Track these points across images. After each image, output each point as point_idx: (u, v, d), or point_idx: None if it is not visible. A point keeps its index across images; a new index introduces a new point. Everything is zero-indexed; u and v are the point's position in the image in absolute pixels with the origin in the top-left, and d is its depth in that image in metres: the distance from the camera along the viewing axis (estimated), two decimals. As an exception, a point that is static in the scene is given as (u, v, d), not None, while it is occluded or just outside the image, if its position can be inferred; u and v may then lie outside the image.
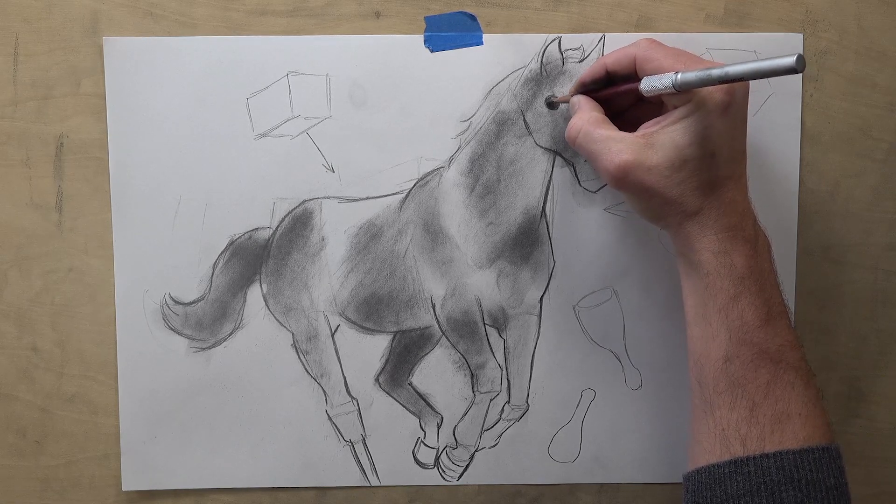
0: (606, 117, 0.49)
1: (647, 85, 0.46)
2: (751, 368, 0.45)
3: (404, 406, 0.56)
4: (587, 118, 0.48)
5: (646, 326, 0.56)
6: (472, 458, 0.57)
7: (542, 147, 0.54)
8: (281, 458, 0.56)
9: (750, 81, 0.45)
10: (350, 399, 0.56)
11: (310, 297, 0.56)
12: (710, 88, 0.44)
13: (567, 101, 0.53)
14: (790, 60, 0.38)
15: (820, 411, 0.45)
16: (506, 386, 0.56)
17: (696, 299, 0.47)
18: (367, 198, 0.55)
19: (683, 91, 0.44)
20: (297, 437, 0.56)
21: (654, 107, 0.50)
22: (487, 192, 0.55)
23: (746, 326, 0.45)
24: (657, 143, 0.45)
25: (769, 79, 0.53)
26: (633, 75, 0.48)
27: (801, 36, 0.54)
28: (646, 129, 0.47)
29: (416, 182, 0.55)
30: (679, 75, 0.44)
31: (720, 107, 0.45)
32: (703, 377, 0.46)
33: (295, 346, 0.56)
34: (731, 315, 0.45)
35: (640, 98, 0.49)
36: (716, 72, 0.42)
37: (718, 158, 0.45)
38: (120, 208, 0.55)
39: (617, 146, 0.46)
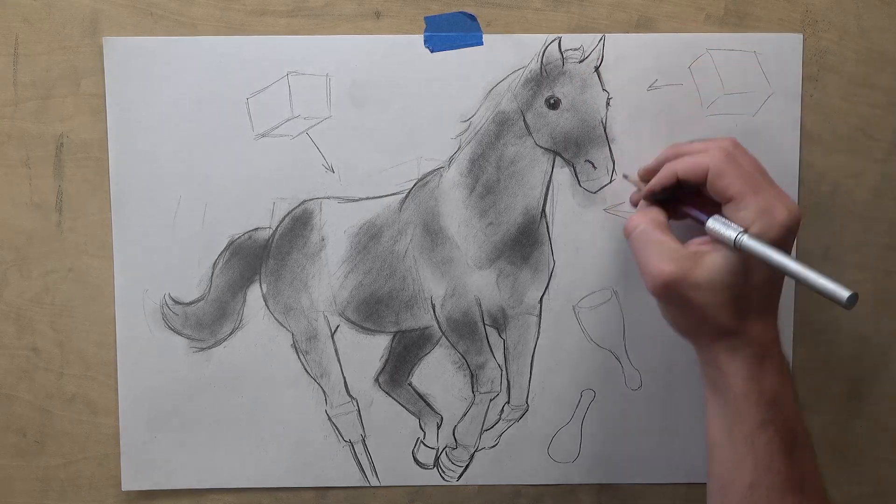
0: (668, 224, 0.49)
1: (713, 226, 0.46)
2: (776, 498, 0.45)
3: (404, 406, 0.56)
4: (650, 217, 0.49)
5: (646, 326, 0.56)
6: (471, 458, 0.57)
7: (542, 147, 0.54)
8: (281, 458, 0.56)
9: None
10: (350, 399, 0.56)
11: (309, 297, 0.56)
12: (766, 232, 0.45)
13: (634, 181, 0.54)
14: (843, 295, 0.41)
15: None
16: (506, 386, 0.56)
17: (722, 422, 0.47)
18: (367, 198, 0.55)
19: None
20: (297, 437, 0.56)
21: (713, 204, 0.50)
22: (487, 192, 0.55)
23: (773, 455, 0.45)
24: (705, 263, 0.46)
25: (768, 78, 0.54)
26: (703, 184, 0.48)
27: (801, 36, 0.54)
28: (699, 245, 0.47)
29: (416, 182, 0.55)
30: (745, 237, 0.44)
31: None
32: (727, 503, 0.46)
33: (295, 346, 0.56)
34: (757, 442, 0.45)
35: (698, 189, 0.49)
36: (776, 258, 0.43)
37: (760, 293, 0.46)
38: (120, 208, 0.55)
39: (668, 255, 0.47)
